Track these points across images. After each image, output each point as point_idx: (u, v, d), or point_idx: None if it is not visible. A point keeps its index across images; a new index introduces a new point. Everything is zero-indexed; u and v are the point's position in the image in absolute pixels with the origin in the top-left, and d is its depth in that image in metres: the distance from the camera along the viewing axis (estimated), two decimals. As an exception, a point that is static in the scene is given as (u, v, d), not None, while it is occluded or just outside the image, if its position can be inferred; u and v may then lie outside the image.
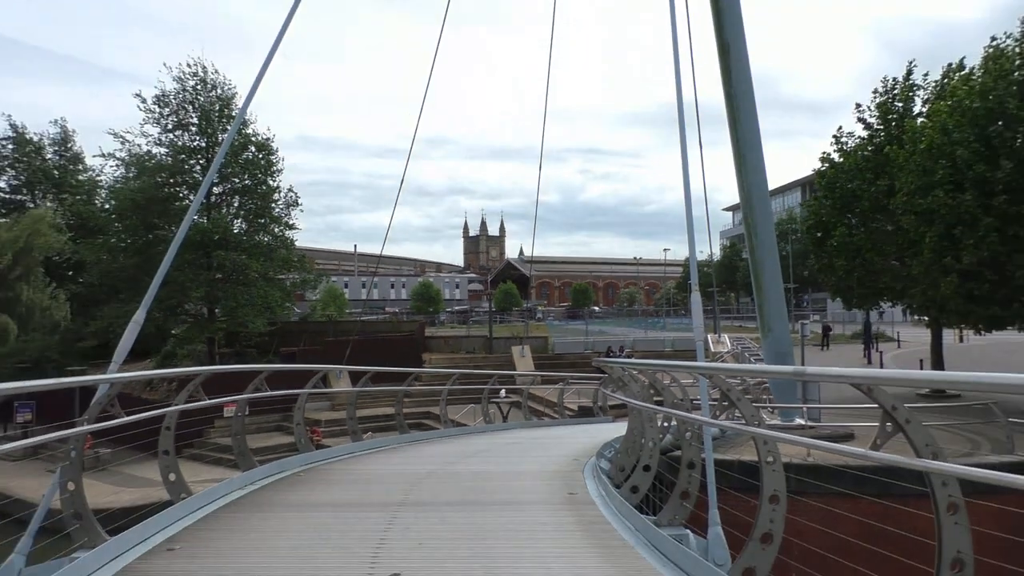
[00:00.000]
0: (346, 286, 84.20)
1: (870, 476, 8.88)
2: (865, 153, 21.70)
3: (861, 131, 22.41)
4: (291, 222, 39.40)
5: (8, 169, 43.49)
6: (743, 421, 5.32)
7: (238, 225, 37.92)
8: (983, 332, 20.43)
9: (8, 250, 33.72)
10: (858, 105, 22.32)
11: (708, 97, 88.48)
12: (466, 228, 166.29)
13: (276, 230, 38.85)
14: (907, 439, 3.61)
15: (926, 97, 21.54)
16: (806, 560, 6.20)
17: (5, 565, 4.62)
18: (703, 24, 15.51)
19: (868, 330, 37.06)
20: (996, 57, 17.91)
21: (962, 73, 19.71)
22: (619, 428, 11.82)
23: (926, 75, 21.77)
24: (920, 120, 20.36)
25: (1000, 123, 17.07)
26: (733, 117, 15.50)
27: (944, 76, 21.05)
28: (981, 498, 4.41)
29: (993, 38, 18.68)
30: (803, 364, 20.08)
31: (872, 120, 22.13)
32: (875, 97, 22.14)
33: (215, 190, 36.61)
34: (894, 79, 22.06)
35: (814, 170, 23.72)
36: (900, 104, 21.75)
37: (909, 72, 21.88)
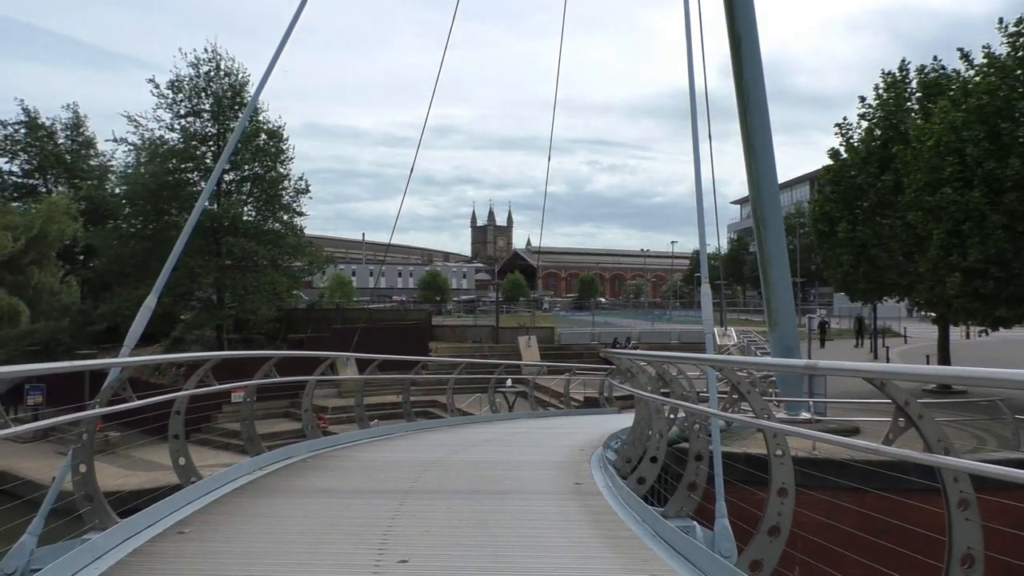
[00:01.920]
0: (354, 274, 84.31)
1: (876, 470, 8.87)
2: (870, 147, 21.54)
3: (863, 125, 22.20)
4: (300, 209, 39.57)
5: (20, 153, 43.62)
6: (752, 414, 5.32)
7: (247, 212, 38.05)
8: (988, 332, 20.36)
9: (22, 235, 33.90)
10: (862, 98, 22.16)
11: (715, 88, 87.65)
12: (474, 218, 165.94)
13: (285, 217, 39.00)
14: (919, 434, 3.61)
15: (918, 95, 21.42)
16: (812, 553, 6.21)
17: (17, 546, 4.67)
18: (714, 13, 15.42)
19: (861, 324, 36.99)
20: (1010, 52, 17.79)
21: (964, 77, 19.56)
22: (625, 419, 11.83)
23: (908, 67, 21.70)
24: (919, 121, 20.16)
25: (1011, 121, 16.97)
26: (744, 108, 15.41)
27: (921, 72, 21.12)
28: (990, 494, 4.40)
29: (986, 46, 18.59)
30: (810, 358, 20.04)
31: (874, 114, 21.92)
32: (877, 92, 21.96)
33: (225, 177, 36.69)
34: (891, 73, 21.87)
35: (823, 167, 23.56)
36: (893, 102, 21.58)
37: (902, 69, 21.72)
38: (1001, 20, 18.20)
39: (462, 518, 5.87)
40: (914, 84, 21.46)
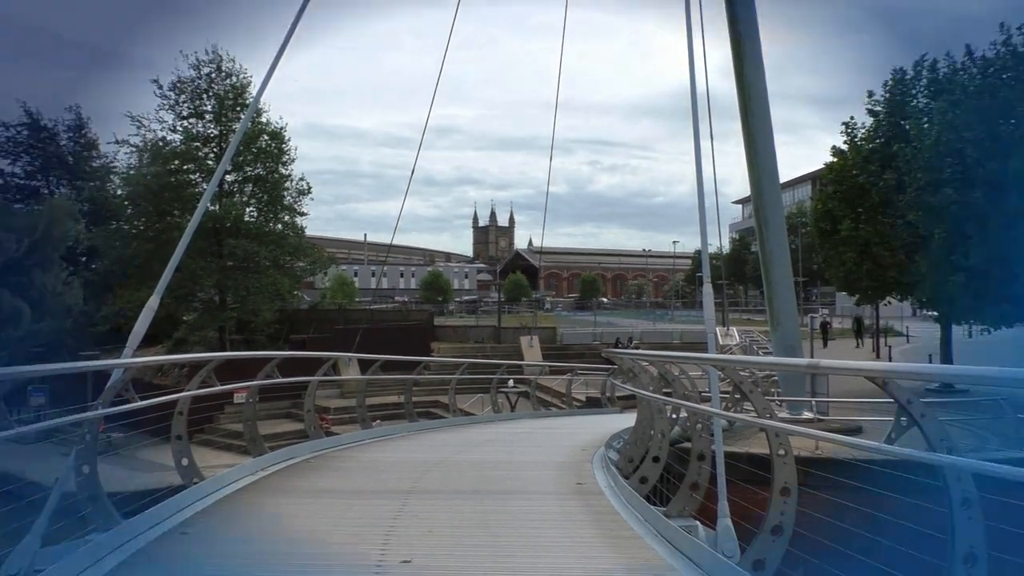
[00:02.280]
0: (356, 275, 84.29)
1: (878, 469, 8.85)
2: (872, 145, 21.49)
3: (870, 121, 22.12)
4: (302, 210, 39.63)
5: (23, 155, 43.62)
6: (754, 413, 5.33)
7: (249, 213, 38.10)
8: (990, 331, 20.34)
9: (25, 237, 33.92)
10: (870, 93, 22.09)
11: (716, 87, 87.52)
12: (475, 218, 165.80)
13: (287, 218, 39.07)
14: (922, 433, 3.61)
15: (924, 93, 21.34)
16: (813, 553, 6.20)
17: (21, 546, 4.68)
18: (715, 11, 15.38)
19: (860, 324, 37.06)
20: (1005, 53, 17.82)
21: (969, 74, 19.51)
22: (627, 419, 11.83)
23: (924, 61, 21.56)
24: (923, 120, 20.11)
25: (1012, 120, 16.97)
26: (745, 107, 15.39)
27: (932, 70, 20.98)
28: (992, 493, 4.40)
29: (993, 42, 18.55)
30: (812, 357, 20.00)
31: (880, 110, 21.86)
32: (885, 88, 21.89)
33: (227, 178, 36.72)
34: (901, 69, 21.79)
35: (825, 164, 23.54)
36: (898, 99, 21.51)
37: (916, 66, 21.64)
38: (1002, 25, 18.21)
39: (464, 518, 5.88)
40: (924, 82, 21.40)
